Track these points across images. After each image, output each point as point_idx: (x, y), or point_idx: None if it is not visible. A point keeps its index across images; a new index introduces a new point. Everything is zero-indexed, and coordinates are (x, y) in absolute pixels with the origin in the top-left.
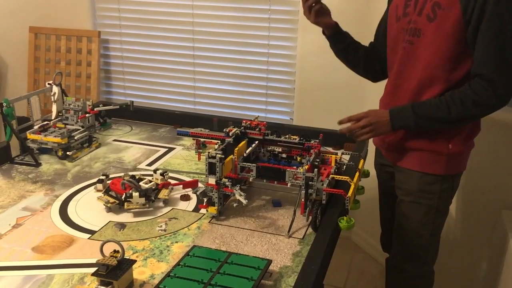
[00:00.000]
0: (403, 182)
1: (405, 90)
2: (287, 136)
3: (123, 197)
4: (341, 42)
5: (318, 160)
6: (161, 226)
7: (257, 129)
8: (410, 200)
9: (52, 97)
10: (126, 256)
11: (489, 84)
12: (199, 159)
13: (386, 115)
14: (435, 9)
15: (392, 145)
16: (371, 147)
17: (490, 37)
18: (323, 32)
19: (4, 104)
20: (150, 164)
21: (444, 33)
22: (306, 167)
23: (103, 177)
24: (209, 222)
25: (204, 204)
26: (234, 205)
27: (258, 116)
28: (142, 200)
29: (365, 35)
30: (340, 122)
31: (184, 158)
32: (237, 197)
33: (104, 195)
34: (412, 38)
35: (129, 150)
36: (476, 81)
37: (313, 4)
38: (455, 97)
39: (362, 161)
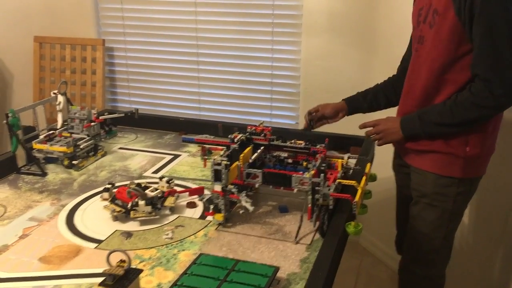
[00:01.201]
0: (418, 183)
1: (413, 98)
2: (292, 141)
3: (129, 206)
4: (360, 110)
5: (324, 165)
6: (167, 234)
7: (262, 134)
8: (424, 202)
9: (58, 107)
10: (133, 265)
11: (486, 85)
12: (205, 165)
13: (396, 124)
14: (434, 16)
15: (409, 146)
16: (381, 150)
17: (481, 36)
18: None
19: (10, 115)
20: (156, 172)
21: (442, 38)
22: (312, 172)
23: (109, 186)
24: (215, 229)
25: (211, 211)
26: (241, 211)
27: (263, 121)
28: (148, 208)
29: (367, 37)
30: (359, 127)
31: (190, 165)
32: (243, 203)
33: (110, 204)
34: (417, 46)
35: (134, 158)
36: (474, 83)
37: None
38: (457, 101)
39: (369, 165)
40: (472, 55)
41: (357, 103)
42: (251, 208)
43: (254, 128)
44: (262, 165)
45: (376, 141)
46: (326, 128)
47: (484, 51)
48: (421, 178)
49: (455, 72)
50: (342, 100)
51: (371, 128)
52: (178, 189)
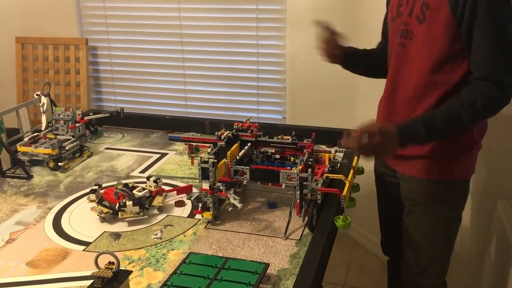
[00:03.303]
0: (410, 191)
1: (401, 97)
2: (279, 136)
3: (116, 207)
4: (353, 60)
5: (311, 159)
6: (156, 234)
7: (249, 131)
8: (419, 211)
9: (41, 108)
10: (122, 266)
11: (496, 85)
12: (192, 163)
13: (393, 133)
14: (424, 9)
15: (396, 153)
16: None
17: (489, 36)
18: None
19: None
20: (143, 171)
21: (434, 35)
22: (300, 167)
23: (96, 187)
24: (204, 227)
25: (199, 209)
26: (229, 209)
27: (250, 117)
28: (136, 208)
29: (351, 30)
30: (340, 144)
31: (177, 163)
32: (232, 201)
33: (97, 205)
34: (404, 41)
35: (121, 157)
36: (481, 84)
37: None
38: (465, 105)
39: (356, 158)
40: (463, 55)
41: (351, 57)
42: (239, 205)
43: (240, 124)
44: (249, 161)
45: (365, 154)
46: (313, 122)
47: (494, 52)
48: (412, 185)
49: (445, 73)
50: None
51: (355, 137)
52: (166, 188)
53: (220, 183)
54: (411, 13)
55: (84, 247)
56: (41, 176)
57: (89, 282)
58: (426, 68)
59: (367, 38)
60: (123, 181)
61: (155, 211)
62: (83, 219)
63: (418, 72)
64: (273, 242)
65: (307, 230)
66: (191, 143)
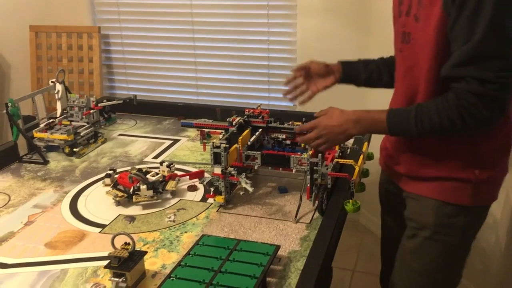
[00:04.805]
0: (416, 212)
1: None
2: (290, 122)
3: (131, 191)
4: (355, 80)
5: None
6: (170, 217)
7: (260, 117)
8: (424, 236)
9: (56, 95)
10: (137, 247)
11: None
12: (204, 149)
13: (340, 122)
14: (419, 7)
15: (404, 172)
16: None
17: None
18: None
19: (9, 104)
20: (156, 157)
21: (429, 36)
22: (310, 152)
23: (111, 172)
24: (217, 211)
25: (211, 193)
26: (241, 193)
27: (261, 104)
28: (150, 192)
29: (363, 16)
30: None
31: (189, 149)
32: (243, 185)
33: (112, 189)
34: (402, 45)
35: (134, 143)
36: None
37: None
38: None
39: (366, 143)
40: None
41: (355, 71)
42: (251, 189)
43: (252, 111)
44: (260, 147)
45: (320, 147)
46: (324, 108)
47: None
48: (420, 205)
49: (447, 83)
50: (338, 61)
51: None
52: (179, 173)
53: (232, 168)
54: (408, 12)
55: (100, 229)
56: (57, 161)
57: (105, 262)
58: (430, 76)
59: (380, 26)
60: (137, 166)
61: (168, 195)
62: (99, 202)
63: (423, 83)
64: (284, 226)
65: (317, 214)
66: (203, 129)
